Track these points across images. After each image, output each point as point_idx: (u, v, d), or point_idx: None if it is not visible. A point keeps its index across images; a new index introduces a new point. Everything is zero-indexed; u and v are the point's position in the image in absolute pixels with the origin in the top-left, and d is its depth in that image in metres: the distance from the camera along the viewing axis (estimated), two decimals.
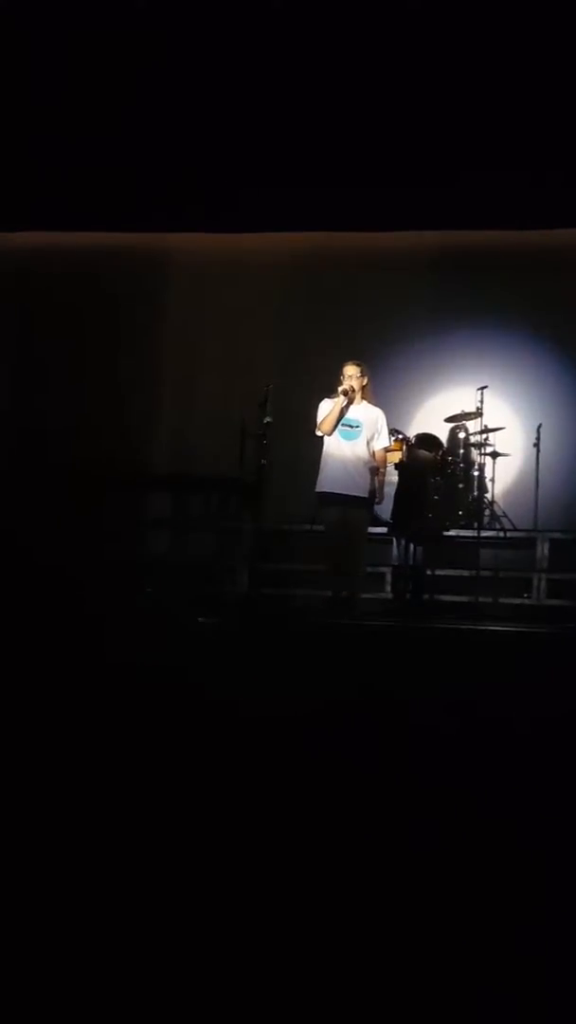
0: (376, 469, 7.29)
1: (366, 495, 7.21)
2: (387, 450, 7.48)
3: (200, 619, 6.24)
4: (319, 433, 7.23)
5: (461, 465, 8.48)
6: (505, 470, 8.88)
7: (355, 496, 7.16)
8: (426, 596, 8.18)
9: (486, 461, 8.54)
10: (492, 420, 8.61)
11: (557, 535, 8.57)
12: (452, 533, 8.43)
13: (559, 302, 9.20)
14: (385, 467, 7.47)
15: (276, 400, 7.58)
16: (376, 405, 7.39)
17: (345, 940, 2.36)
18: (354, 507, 7.17)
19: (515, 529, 8.52)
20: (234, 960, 2.29)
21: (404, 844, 2.72)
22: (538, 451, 8.71)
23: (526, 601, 8.32)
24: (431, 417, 9.10)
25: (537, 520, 8.65)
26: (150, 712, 3.52)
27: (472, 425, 8.60)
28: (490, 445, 8.58)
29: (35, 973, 2.24)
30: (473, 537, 8.35)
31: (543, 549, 8.46)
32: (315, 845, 2.71)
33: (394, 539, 8.35)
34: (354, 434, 7.19)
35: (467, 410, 8.66)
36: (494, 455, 8.58)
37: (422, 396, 9.54)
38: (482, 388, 8.56)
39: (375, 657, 4.71)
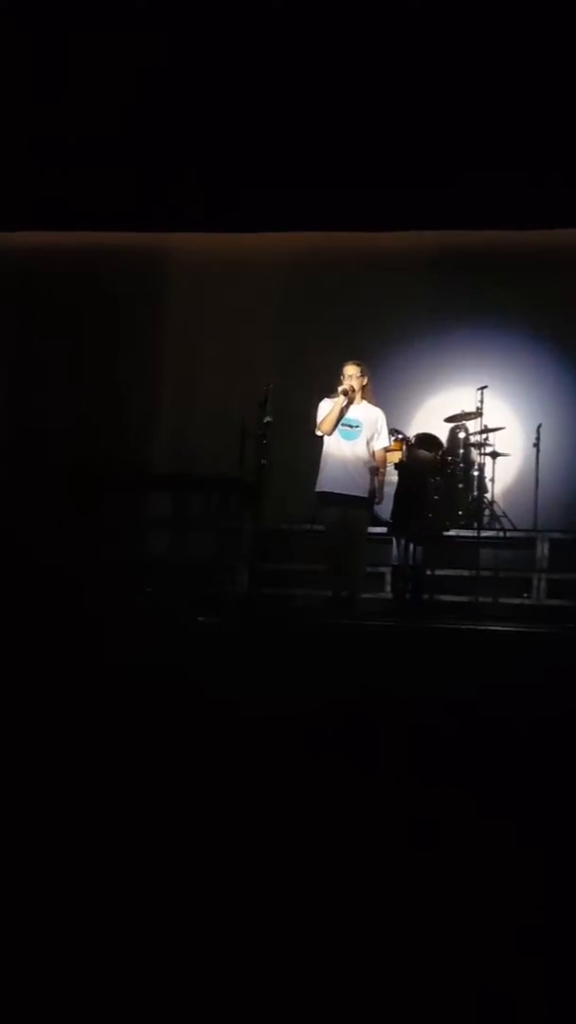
0: (376, 469, 7.29)
1: (366, 495, 7.20)
2: (387, 450, 7.48)
3: (200, 619, 6.24)
4: (319, 433, 7.23)
5: (461, 465, 8.48)
6: (505, 470, 8.88)
7: (355, 496, 7.16)
8: (426, 596, 8.18)
9: (486, 461, 8.54)
10: (492, 420, 8.61)
11: (557, 535, 8.57)
12: (452, 533, 8.44)
13: (559, 302, 9.20)
14: (385, 467, 7.47)
15: (276, 400, 7.58)
16: (376, 405, 7.38)
17: (345, 940, 2.35)
18: (354, 507, 7.17)
19: (515, 529, 8.52)
20: (234, 960, 2.29)
21: (404, 844, 2.72)
22: (538, 451, 8.71)
23: (526, 601, 8.32)
24: (431, 417, 9.10)
25: (537, 520, 8.65)
26: (150, 712, 3.52)
27: (472, 425, 8.60)
28: (490, 445, 8.58)
29: (35, 973, 2.24)
30: (473, 537, 8.35)
31: (543, 549, 8.46)
32: (315, 845, 2.71)
33: (394, 539, 8.36)
34: (354, 434, 7.19)
35: (467, 410, 8.66)
36: (494, 455, 8.58)
37: (422, 396, 9.54)
38: (482, 388, 8.56)
39: (375, 657, 4.71)
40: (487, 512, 8.50)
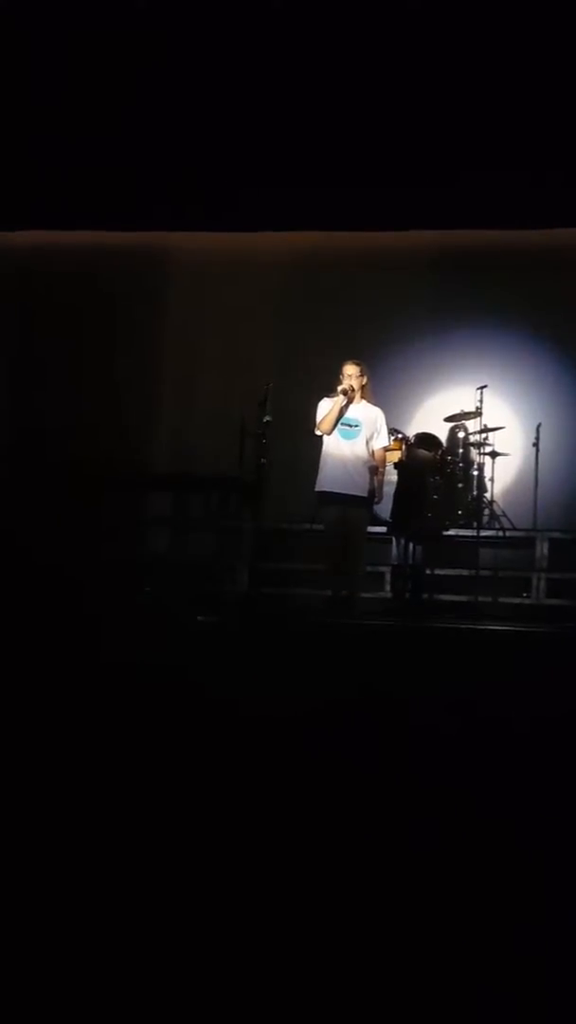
0: (375, 468, 7.30)
1: (365, 494, 7.21)
2: (386, 449, 7.48)
3: (200, 618, 6.24)
4: (318, 432, 7.23)
5: (460, 465, 8.48)
6: (504, 470, 8.88)
7: (354, 495, 7.16)
8: (425, 595, 8.18)
9: (485, 461, 8.54)
10: (491, 420, 8.61)
11: (556, 535, 8.57)
12: (451, 532, 8.44)
13: (559, 302, 9.20)
14: (384, 466, 7.48)
15: (276, 399, 7.59)
16: (375, 404, 7.39)
17: (345, 940, 2.36)
18: (353, 506, 7.18)
19: (514, 528, 8.52)
20: (234, 959, 2.29)
21: (404, 844, 2.73)
22: (537, 451, 8.72)
23: (525, 600, 8.33)
24: (430, 416, 9.10)
25: (536, 520, 8.66)
26: (150, 711, 3.52)
27: (471, 425, 8.60)
28: (489, 445, 8.58)
29: (35, 972, 2.24)
30: (472, 536, 8.36)
31: (542, 549, 8.46)
32: (315, 845, 2.71)
33: (393, 538, 8.35)
34: (353, 433, 7.20)
35: (467, 410, 8.67)
36: (493, 455, 8.58)
37: (422, 396, 9.54)
38: (482, 388, 8.56)
39: (375, 656, 4.71)
40: (486, 512, 8.50)
